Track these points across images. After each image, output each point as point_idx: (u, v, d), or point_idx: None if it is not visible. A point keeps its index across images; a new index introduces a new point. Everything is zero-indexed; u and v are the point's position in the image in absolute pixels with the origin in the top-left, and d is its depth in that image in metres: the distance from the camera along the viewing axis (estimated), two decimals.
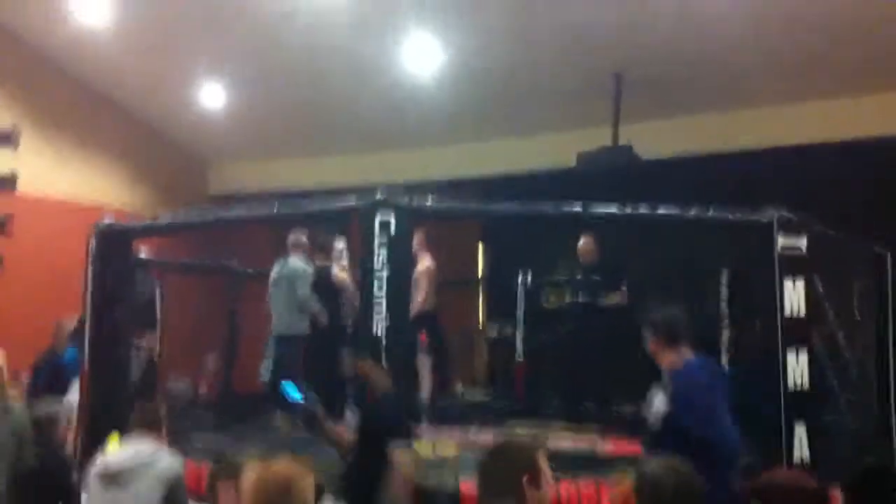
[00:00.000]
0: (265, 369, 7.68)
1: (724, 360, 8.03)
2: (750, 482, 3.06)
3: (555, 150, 9.88)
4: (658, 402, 4.32)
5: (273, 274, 7.52)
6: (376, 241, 5.27)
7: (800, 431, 5.22)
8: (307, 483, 2.98)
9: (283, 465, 3.05)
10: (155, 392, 6.48)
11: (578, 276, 8.23)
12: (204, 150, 13.12)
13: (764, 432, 5.48)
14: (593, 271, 8.04)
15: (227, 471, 3.52)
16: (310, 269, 7.31)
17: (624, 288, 7.95)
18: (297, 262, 7.36)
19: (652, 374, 4.52)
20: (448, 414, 8.33)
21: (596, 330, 7.82)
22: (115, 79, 11.39)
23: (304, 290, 7.13)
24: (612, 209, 5.65)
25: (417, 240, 7.59)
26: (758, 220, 5.61)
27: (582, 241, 8.10)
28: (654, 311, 4.57)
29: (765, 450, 5.34)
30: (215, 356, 10.13)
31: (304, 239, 7.51)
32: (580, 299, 8.14)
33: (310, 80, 10.41)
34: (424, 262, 7.75)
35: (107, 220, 6.62)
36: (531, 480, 2.78)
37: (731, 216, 5.74)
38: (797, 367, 5.28)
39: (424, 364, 7.69)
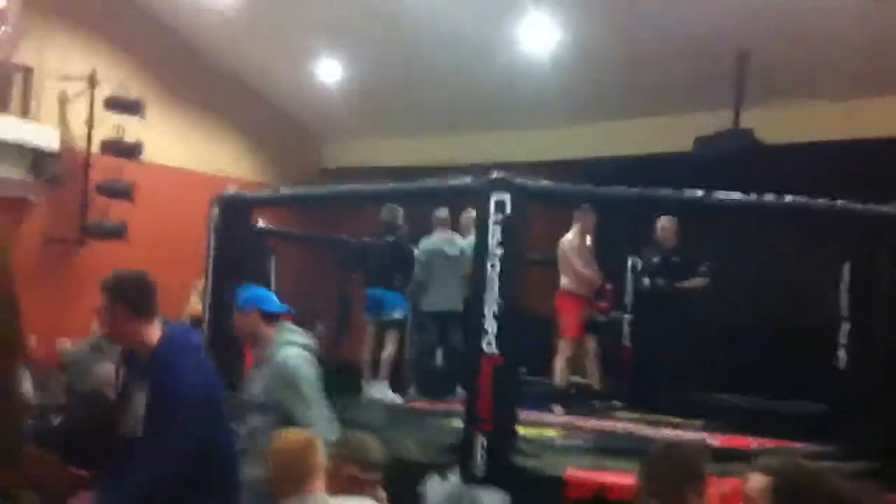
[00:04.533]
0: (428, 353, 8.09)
1: (843, 354, 7.75)
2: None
3: (673, 133, 9.70)
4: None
5: (439, 248, 7.76)
6: (491, 221, 5.26)
7: None
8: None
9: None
10: None
11: (656, 259, 8.08)
12: (319, 125, 13.36)
13: (881, 434, 5.30)
14: (673, 254, 7.90)
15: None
16: None
17: (703, 269, 7.77)
18: (461, 239, 7.52)
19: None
20: (551, 397, 8.33)
21: (679, 314, 7.74)
22: (236, 53, 11.71)
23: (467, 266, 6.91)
24: (737, 196, 5.49)
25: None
26: (886, 211, 5.40)
27: (662, 223, 7.93)
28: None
29: (880, 453, 5.15)
30: (325, 325, 10.31)
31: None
32: (658, 283, 8.02)
33: (424, 58, 10.47)
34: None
35: (230, 190, 6.81)
36: (696, 489, 2.77)
37: (858, 206, 5.53)
38: None
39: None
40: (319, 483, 3.07)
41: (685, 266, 7.81)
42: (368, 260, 8.04)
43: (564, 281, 7.64)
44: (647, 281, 8.17)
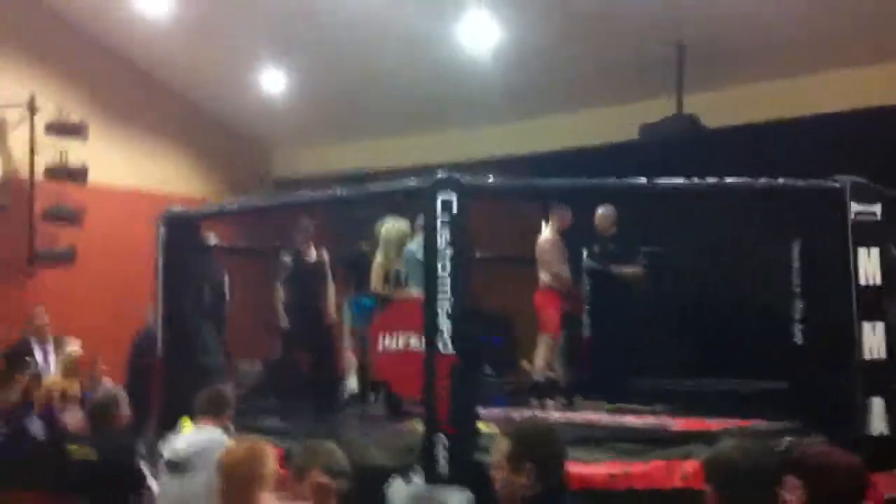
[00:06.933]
0: None
1: (798, 332, 7.84)
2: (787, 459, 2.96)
3: (617, 123, 9.74)
4: None
5: (412, 253, 7.69)
6: (438, 221, 5.24)
7: (877, 404, 5.06)
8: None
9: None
10: (224, 376, 6.54)
11: (596, 248, 8.14)
12: (266, 137, 13.25)
13: (838, 406, 5.35)
14: (611, 242, 7.94)
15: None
16: None
17: (640, 257, 7.81)
18: None
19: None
20: (515, 393, 8.31)
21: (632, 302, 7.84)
22: (178, 69, 11.59)
23: None
24: (679, 181, 5.53)
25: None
26: (830, 186, 5.45)
27: (598, 213, 7.95)
28: None
29: (839, 424, 5.20)
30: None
31: None
32: (593, 269, 8.17)
33: (368, 61, 10.44)
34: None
35: (174, 207, 6.71)
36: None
37: (801, 183, 5.59)
38: (873, 338, 5.12)
39: None
40: (265, 493, 3.01)
41: (622, 254, 7.82)
42: (361, 268, 7.86)
43: (544, 278, 7.62)
44: (586, 269, 8.23)
